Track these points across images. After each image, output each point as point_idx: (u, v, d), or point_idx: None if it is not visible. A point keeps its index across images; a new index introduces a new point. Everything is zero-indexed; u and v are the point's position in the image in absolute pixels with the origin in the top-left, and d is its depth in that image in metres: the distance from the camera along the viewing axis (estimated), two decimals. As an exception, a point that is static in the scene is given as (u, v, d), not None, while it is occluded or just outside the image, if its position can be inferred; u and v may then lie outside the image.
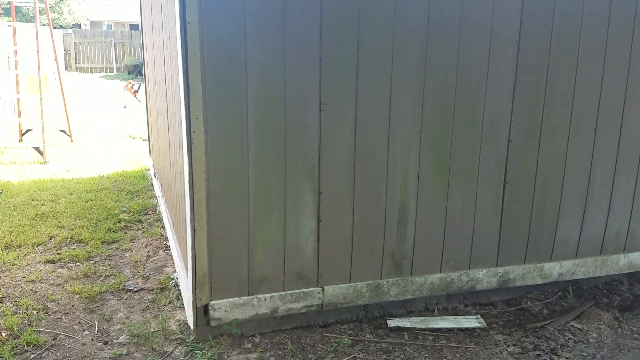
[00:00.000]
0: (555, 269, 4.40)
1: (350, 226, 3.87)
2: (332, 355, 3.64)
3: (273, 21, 3.42)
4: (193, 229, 3.50)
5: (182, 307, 4.20)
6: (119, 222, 6.08)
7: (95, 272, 4.83)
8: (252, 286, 3.74)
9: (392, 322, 4.04)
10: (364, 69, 3.66)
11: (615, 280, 4.72)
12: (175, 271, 4.77)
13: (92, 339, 3.80)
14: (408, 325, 4.01)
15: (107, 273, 4.82)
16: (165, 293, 4.46)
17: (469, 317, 4.13)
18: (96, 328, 3.94)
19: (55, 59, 11.21)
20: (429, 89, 3.81)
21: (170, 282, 4.59)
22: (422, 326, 4.00)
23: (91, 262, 5.05)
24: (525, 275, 4.33)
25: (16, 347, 3.66)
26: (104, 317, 4.09)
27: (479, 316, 4.13)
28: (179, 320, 4.02)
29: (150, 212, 6.47)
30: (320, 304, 3.90)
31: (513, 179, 4.14)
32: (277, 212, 3.69)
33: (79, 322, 4.01)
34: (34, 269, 4.87)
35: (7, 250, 5.24)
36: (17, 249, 5.27)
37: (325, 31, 3.53)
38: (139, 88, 15.49)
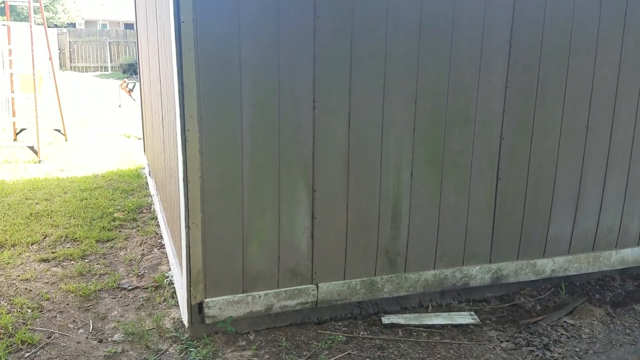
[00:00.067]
0: (548, 265, 4.43)
1: (345, 223, 3.89)
2: (327, 352, 3.66)
3: (267, 20, 3.43)
4: (187, 227, 3.51)
5: (176, 305, 4.21)
6: (113, 220, 6.08)
7: (89, 270, 4.83)
8: (247, 283, 3.75)
9: (387, 319, 4.06)
10: (358, 67, 3.67)
11: (607, 276, 4.75)
12: (169, 269, 4.78)
13: (86, 337, 3.81)
14: (402, 321, 4.03)
15: (102, 271, 4.82)
16: (160, 291, 4.46)
17: (462, 313, 4.15)
18: (91, 326, 3.95)
19: (50, 58, 11.18)
20: (421, 87, 3.83)
21: (165, 281, 4.60)
22: (416, 323, 4.02)
23: (86, 260, 5.06)
24: (518, 271, 4.36)
25: (11, 345, 3.67)
26: (98, 315, 4.10)
27: (472, 312, 4.16)
28: (173, 318, 4.03)
29: (144, 211, 6.47)
30: (315, 301, 3.92)
31: (505, 176, 4.16)
32: (272, 210, 3.70)
33: (74, 321, 4.02)
34: (28, 267, 4.87)
35: (2, 249, 5.24)
36: (12, 248, 5.27)
37: (318, 30, 3.54)
38: (133, 87, 15.47)
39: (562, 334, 3.92)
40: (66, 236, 5.59)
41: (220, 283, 3.69)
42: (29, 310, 4.12)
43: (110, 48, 29.61)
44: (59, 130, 10.93)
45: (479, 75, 3.94)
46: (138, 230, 5.83)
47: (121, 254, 5.24)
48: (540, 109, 4.13)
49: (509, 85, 4.01)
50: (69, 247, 5.32)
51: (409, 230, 4.04)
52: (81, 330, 3.90)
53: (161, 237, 5.57)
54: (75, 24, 41.55)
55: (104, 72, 28.84)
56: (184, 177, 3.45)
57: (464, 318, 4.07)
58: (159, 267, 4.93)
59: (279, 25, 3.46)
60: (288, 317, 3.96)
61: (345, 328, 3.98)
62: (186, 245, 3.55)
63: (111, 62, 29.62)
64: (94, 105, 16.06)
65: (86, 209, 6.45)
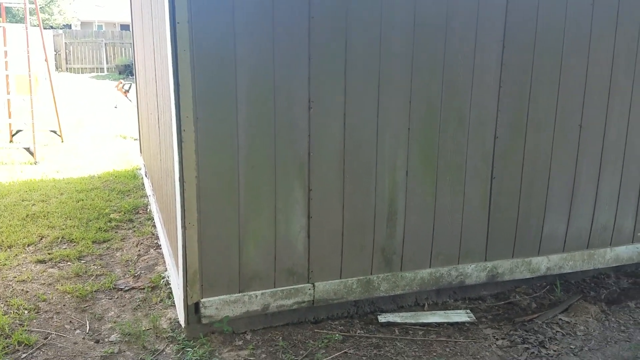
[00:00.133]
0: (543, 263, 4.45)
1: (341, 222, 3.90)
2: (323, 351, 3.67)
3: (262, 21, 3.45)
4: (184, 227, 3.52)
5: (173, 305, 4.22)
6: (109, 221, 6.08)
7: (86, 271, 4.84)
8: (243, 283, 3.76)
9: (383, 318, 4.07)
10: (352, 67, 3.69)
11: (602, 273, 4.78)
12: (166, 270, 4.79)
13: (83, 338, 3.81)
14: (398, 320, 4.05)
15: (98, 272, 4.83)
16: (157, 292, 4.47)
17: (458, 311, 4.17)
18: (87, 327, 3.95)
19: (46, 60, 11.18)
20: (416, 86, 3.85)
21: (162, 281, 4.61)
22: (413, 321, 4.04)
23: (82, 261, 5.06)
24: (513, 269, 4.38)
25: (7, 346, 3.67)
26: (95, 316, 4.10)
27: (468, 310, 4.18)
28: (170, 319, 4.04)
29: (141, 211, 6.48)
30: (311, 300, 3.93)
31: (500, 174, 4.19)
32: (268, 210, 3.71)
33: (70, 322, 4.02)
34: (24, 269, 4.87)
35: (-2, 251, 5.24)
36: (8, 249, 5.27)
37: (313, 31, 3.56)
38: (129, 88, 15.46)
39: (557, 331, 3.94)
40: (62, 237, 5.59)
41: (216, 283, 3.70)
42: (26, 312, 4.13)
43: (106, 49, 29.56)
44: (55, 132, 10.93)
45: (473, 74, 3.96)
46: (134, 231, 5.84)
47: (117, 254, 5.24)
48: (534, 108, 4.15)
49: (503, 85, 4.03)
50: (66, 248, 5.33)
51: (404, 229, 4.06)
52: (78, 331, 3.90)
53: (157, 238, 5.57)
54: (71, 25, 41.50)
55: (100, 73, 28.80)
56: (180, 177, 3.46)
57: (460, 316, 4.09)
58: (156, 267, 4.93)
59: (274, 26, 3.47)
60: (285, 317, 3.97)
61: (342, 327, 3.99)
62: (182, 245, 3.56)
63: (107, 63, 29.58)
64: (90, 107, 16.04)
65: (82, 210, 6.45)
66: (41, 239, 5.56)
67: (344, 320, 4.08)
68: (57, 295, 4.39)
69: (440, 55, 3.86)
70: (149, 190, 6.65)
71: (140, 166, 8.43)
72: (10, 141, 10.59)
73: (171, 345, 3.71)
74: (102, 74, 28.81)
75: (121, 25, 41.80)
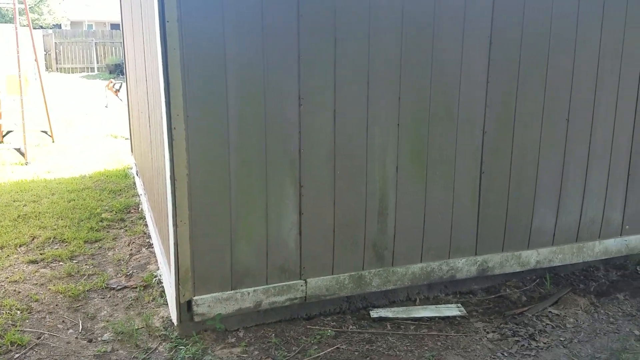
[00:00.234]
0: (533, 257, 4.49)
1: (332, 218, 3.92)
2: (316, 347, 3.69)
3: (251, 19, 3.46)
4: (175, 225, 3.53)
5: (165, 304, 4.23)
6: (101, 221, 6.08)
7: (78, 271, 4.84)
8: (236, 281, 3.78)
9: (375, 313, 4.10)
10: (342, 64, 3.71)
11: (591, 266, 4.82)
12: (158, 269, 4.79)
13: (76, 338, 3.82)
14: (390, 315, 4.07)
15: (91, 272, 4.83)
16: (149, 290, 4.48)
17: (449, 305, 4.20)
18: (80, 326, 3.96)
19: (36, 60, 11.13)
20: (405, 82, 3.87)
21: (154, 280, 4.62)
22: (404, 316, 4.07)
23: (74, 261, 5.06)
24: (503, 263, 4.42)
25: (0, 347, 3.67)
26: (87, 315, 4.11)
27: (459, 304, 4.21)
28: (162, 317, 4.05)
29: (132, 211, 6.48)
30: (304, 296, 3.95)
31: (489, 169, 4.22)
32: (259, 207, 3.73)
33: (63, 321, 4.03)
34: (16, 269, 4.86)
35: (-10, 252, 5.23)
36: (0, 250, 5.26)
37: (302, 28, 3.58)
38: (120, 87, 15.41)
39: (547, 324, 3.98)
40: (54, 237, 5.59)
41: (208, 280, 3.71)
42: (18, 312, 4.12)
43: (96, 49, 29.43)
44: (45, 132, 10.89)
45: (461, 70, 3.99)
46: (126, 231, 5.84)
47: (109, 254, 5.24)
48: (521, 102, 4.19)
49: (490, 80, 4.06)
50: (58, 248, 5.32)
51: (395, 224, 4.09)
52: (71, 331, 3.91)
53: (149, 237, 5.58)
54: (61, 25, 41.26)
55: (90, 73, 28.67)
56: (171, 175, 3.47)
57: (451, 310, 4.12)
58: (148, 266, 4.94)
59: (263, 24, 3.49)
60: (277, 313, 3.99)
61: (334, 323, 4.01)
62: (174, 243, 3.57)
63: (97, 62, 29.45)
64: (80, 106, 15.98)
65: (74, 210, 6.44)
66: (33, 240, 5.56)
67: (337, 316, 4.10)
68: (50, 295, 4.39)
69: (428, 52, 3.88)
70: (140, 189, 6.65)
71: (131, 165, 8.42)
72: (1, 142, 10.54)
73: (164, 343, 3.72)
74: (93, 73, 28.69)
75: (111, 24, 41.58)
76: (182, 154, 3.45)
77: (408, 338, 3.82)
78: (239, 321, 3.90)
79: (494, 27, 3.99)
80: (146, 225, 5.91)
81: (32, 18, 32.19)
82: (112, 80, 16.93)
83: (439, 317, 4.05)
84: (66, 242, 5.49)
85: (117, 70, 26.73)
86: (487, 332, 3.88)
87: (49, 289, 4.49)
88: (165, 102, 3.38)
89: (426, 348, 3.70)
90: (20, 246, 5.38)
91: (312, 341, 3.75)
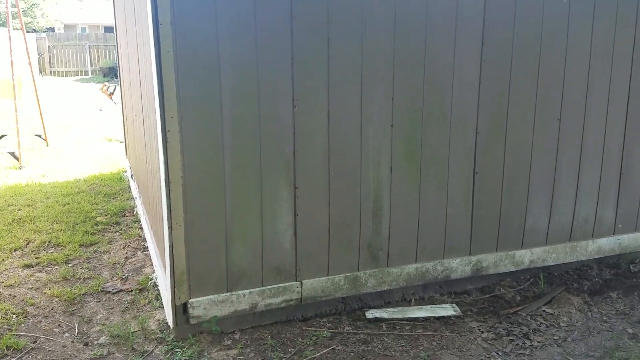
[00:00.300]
0: (527, 256, 4.52)
1: (327, 219, 3.94)
2: (312, 348, 3.70)
3: (244, 21, 3.48)
4: (170, 227, 3.54)
5: (161, 307, 4.23)
6: (96, 224, 6.08)
7: (74, 275, 4.84)
8: (231, 283, 3.79)
9: (371, 314, 4.12)
10: (335, 65, 3.73)
11: (585, 265, 4.85)
12: (153, 272, 4.80)
13: (72, 341, 3.82)
14: (386, 315, 4.09)
15: (86, 275, 4.83)
16: (144, 294, 4.48)
17: (444, 305, 4.22)
18: (76, 330, 3.96)
19: (29, 63, 11.11)
20: (398, 83, 3.89)
21: (149, 283, 4.62)
22: (400, 316, 4.09)
23: (69, 265, 5.06)
24: (497, 263, 4.44)
25: (-4, 351, 3.67)
26: (83, 319, 4.11)
27: (454, 304, 4.23)
28: (158, 320, 4.05)
29: (127, 214, 6.47)
30: (299, 298, 3.96)
31: (482, 169, 4.25)
32: (254, 208, 3.74)
33: (59, 325, 4.03)
34: (12, 273, 4.86)
35: (-16, 256, 5.22)
36: (-5, 255, 5.26)
37: (296, 30, 3.59)
38: (114, 90, 15.39)
39: (541, 323, 4.01)
40: (49, 241, 5.58)
41: (204, 283, 3.72)
42: (14, 316, 4.12)
43: (90, 52, 29.35)
44: (39, 136, 10.87)
45: (453, 71, 4.01)
46: (121, 234, 5.84)
47: (105, 257, 5.24)
48: (514, 103, 4.22)
49: (483, 81, 4.09)
50: (53, 252, 5.32)
51: (390, 225, 4.10)
52: (66, 334, 3.91)
53: (144, 240, 5.58)
54: (54, 28, 41.14)
55: (84, 76, 28.59)
56: (165, 178, 3.48)
57: (446, 310, 4.14)
58: (143, 269, 4.94)
59: (256, 25, 3.50)
60: (273, 315, 4.00)
61: (330, 324, 4.03)
62: (169, 246, 3.58)
63: (91, 65, 29.36)
64: (74, 110, 15.92)
65: (69, 214, 6.43)
66: (28, 244, 5.55)
67: (332, 317, 4.12)
68: (45, 299, 4.39)
69: (421, 53, 3.91)
70: (135, 192, 6.65)
71: (126, 169, 8.41)
72: (-5, 146, 10.51)
73: (160, 346, 3.73)
74: (87, 76, 28.61)
75: (105, 27, 41.53)
76: (176, 156, 3.46)
77: (403, 338, 3.84)
78: (235, 323, 3.90)
79: (485, 28, 4.02)
80: (141, 228, 5.91)
81: (25, 21, 32.08)
82: (106, 83, 16.90)
83: (434, 317, 4.07)
84: (61, 245, 5.49)
85: (111, 73, 26.67)
86: (482, 332, 3.90)
87: (45, 292, 4.49)
88: (159, 104, 3.39)
89: (421, 348, 3.72)
90: (15, 250, 5.38)
91: (308, 342, 3.77)
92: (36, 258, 5.16)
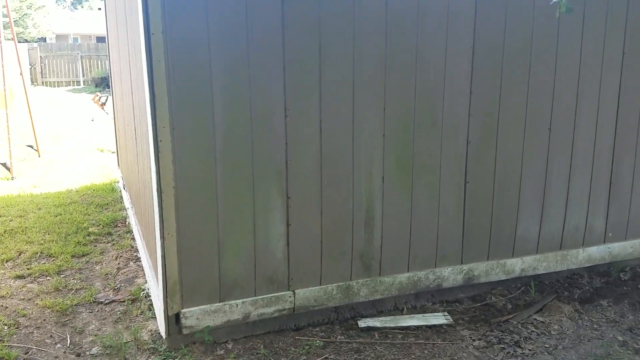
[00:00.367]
0: (518, 265, 4.55)
1: (319, 229, 3.95)
2: (305, 357, 3.71)
3: (236, 31, 3.50)
4: (162, 237, 3.54)
5: (153, 317, 4.22)
6: (88, 235, 6.06)
7: (66, 285, 4.82)
8: (224, 292, 3.79)
9: (363, 323, 4.12)
10: (327, 75, 3.75)
11: (575, 274, 4.88)
12: (146, 282, 4.79)
13: (64, 352, 3.80)
14: (378, 324, 4.10)
15: (78, 286, 4.82)
16: (137, 304, 4.47)
17: (436, 314, 4.24)
18: (68, 341, 3.94)
19: (21, 74, 11.10)
20: (390, 93, 3.93)
21: (142, 293, 4.61)
22: (392, 325, 4.10)
23: (61, 276, 5.04)
24: (489, 271, 4.47)
25: (-13, 362, 3.65)
26: (76, 329, 4.09)
27: (446, 313, 4.25)
28: (151, 330, 4.04)
29: (120, 225, 6.46)
30: (292, 307, 3.97)
31: (473, 178, 4.28)
32: (247, 218, 3.75)
33: (51, 336, 4.01)
34: (3, 284, 4.83)
35: (-25, 267, 5.19)
36: (-14, 266, 5.23)
37: (287, 40, 3.62)
38: (106, 100, 15.35)
39: (532, 331, 4.03)
40: (41, 252, 5.56)
41: (196, 293, 3.72)
42: (6, 327, 4.10)
43: (82, 62, 29.30)
44: (31, 146, 10.84)
45: (444, 81, 4.05)
46: (113, 244, 5.83)
47: (97, 268, 5.23)
48: (504, 112, 4.26)
49: (474, 90, 4.13)
50: (45, 263, 5.30)
51: (382, 234, 4.12)
52: (59, 345, 3.89)
53: (137, 251, 5.57)
54: (46, 38, 41.10)
55: (76, 87, 28.53)
56: (157, 188, 3.49)
57: (438, 319, 4.16)
58: (135, 280, 4.93)
59: (248, 36, 3.53)
60: (266, 325, 4.00)
61: (323, 333, 4.03)
62: (161, 256, 3.58)
63: (83, 76, 29.31)
64: (66, 120, 15.89)
65: (61, 225, 6.41)
66: (20, 255, 5.53)
67: (325, 326, 4.13)
68: (37, 310, 4.37)
69: (412, 63, 3.95)
70: (127, 203, 6.64)
71: (118, 179, 8.40)
72: (-14, 157, 10.47)
73: (152, 356, 3.72)
74: (79, 87, 28.55)
75: (97, 37, 41.52)
76: (168, 166, 3.47)
77: (396, 347, 3.85)
78: (228, 333, 3.90)
79: (476, 37, 4.07)
80: (134, 239, 5.90)
81: (16, 32, 32.01)
82: (98, 93, 16.86)
83: (426, 326, 4.09)
84: (53, 256, 5.47)
85: (103, 83, 26.62)
86: (473, 340, 3.92)
87: (37, 303, 4.47)
88: (151, 114, 3.40)
89: (413, 356, 3.73)
90: (7, 261, 5.35)
91: (300, 352, 3.77)
92: (28, 269, 5.14)
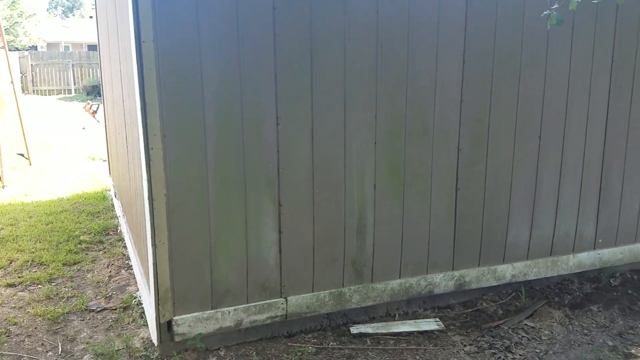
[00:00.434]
0: (508, 271, 4.58)
1: (312, 236, 3.97)
2: (297, 364, 3.72)
3: (228, 39, 3.52)
4: (154, 245, 3.55)
5: (145, 325, 4.22)
6: (80, 243, 6.04)
7: (57, 293, 4.80)
8: (216, 300, 3.79)
9: (355, 329, 4.13)
10: (318, 83, 3.78)
11: (566, 279, 4.92)
12: (137, 290, 4.78)
13: (55, 360, 3.79)
14: (370, 331, 4.11)
15: (70, 294, 4.80)
16: (129, 312, 4.46)
17: (428, 320, 4.26)
18: (60, 349, 3.93)
19: (12, 82, 11.06)
20: (381, 101, 3.96)
21: (133, 301, 4.60)
22: (384, 331, 4.11)
23: (53, 284, 5.02)
24: (480, 277, 4.49)
25: (-23, 371, 3.63)
26: (67, 337, 4.08)
27: (437, 319, 4.27)
28: (142, 338, 4.03)
29: (111, 233, 6.45)
30: (284, 314, 3.97)
31: (464, 185, 4.31)
32: (239, 225, 3.76)
33: (42, 344, 3.99)
34: (-7, 293, 4.81)
35: (-34, 276, 5.16)
36: (-24, 274, 5.20)
37: (279, 48, 3.65)
38: (97, 108, 15.32)
39: (523, 336, 4.05)
40: (32, 260, 5.54)
41: (188, 300, 3.72)
42: (-4, 336, 4.09)
43: (73, 70, 29.22)
44: (22, 155, 10.80)
45: (435, 89, 4.09)
46: (105, 252, 5.81)
47: (88, 276, 5.21)
48: (495, 120, 4.30)
49: (464, 98, 4.17)
50: (36, 271, 5.28)
51: (374, 241, 4.14)
52: (50, 353, 3.88)
53: (128, 259, 5.56)
54: (37, 46, 40.98)
55: (67, 95, 28.43)
56: (149, 196, 3.49)
57: (429, 324, 4.18)
58: (127, 288, 4.92)
59: (239, 44, 3.55)
60: (258, 332, 4.00)
61: (315, 340, 4.04)
62: (153, 264, 3.58)
63: (75, 84, 29.22)
64: (57, 128, 15.83)
65: (52, 233, 6.39)
66: (10, 263, 5.50)
67: (317, 333, 4.13)
68: (29, 319, 4.35)
69: (403, 71, 3.98)
70: (119, 211, 6.62)
71: (109, 187, 8.38)
72: (-24, 165, 10.41)
73: (144, 364, 3.71)
74: (70, 95, 28.46)
75: (88, 45, 41.44)
76: (159, 174, 3.47)
77: (387, 353, 3.86)
78: (220, 340, 3.90)
79: (466, 46, 4.11)
80: (125, 247, 5.89)
81: (7, 40, 31.90)
82: (89, 101, 16.82)
83: (418, 332, 4.10)
84: (44, 265, 5.45)
85: (95, 91, 26.55)
86: (465, 345, 3.94)
87: (28, 312, 4.45)
88: (142, 122, 3.41)
89: (405, 362, 3.75)
90: (-3, 270, 5.33)
91: (293, 358, 3.77)
92: (19, 277, 5.12)
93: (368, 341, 4.01)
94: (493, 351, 3.84)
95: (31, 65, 28.30)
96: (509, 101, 4.32)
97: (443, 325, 4.17)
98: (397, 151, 4.08)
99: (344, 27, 3.78)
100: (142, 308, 4.45)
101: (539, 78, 4.38)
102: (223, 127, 3.60)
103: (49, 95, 28.30)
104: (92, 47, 37.65)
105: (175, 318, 3.69)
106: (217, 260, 3.74)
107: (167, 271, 3.60)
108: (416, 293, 4.33)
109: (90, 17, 50.74)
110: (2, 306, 4.56)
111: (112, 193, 7.83)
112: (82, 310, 4.50)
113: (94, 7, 8.66)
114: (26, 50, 34.67)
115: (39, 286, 4.96)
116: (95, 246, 6.01)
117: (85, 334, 4.13)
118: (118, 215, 6.73)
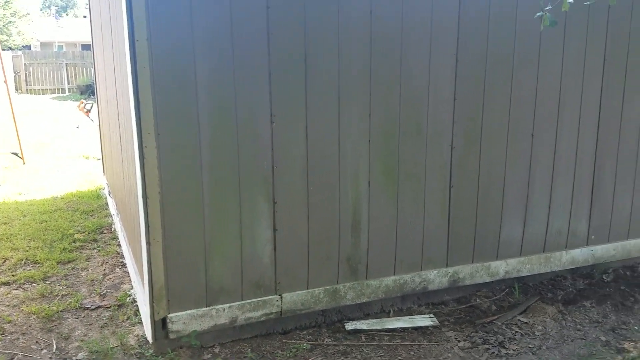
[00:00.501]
0: (502, 267, 4.60)
1: (306, 234, 3.98)
2: (291, 360, 3.73)
3: (221, 37, 3.53)
4: (148, 243, 3.55)
5: (140, 322, 4.22)
6: (74, 241, 6.03)
7: (51, 292, 4.80)
8: (211, 297, 3.80)
9: (350, 325, 4.15)
10: (313, 82, 3.79)
11: (559, 276, 4.95)
12: (132, 288, 4.78)
13: (50, 358, 3.79)
14: (365, 327, 4.13)
15: (64, 292, 4.80)
16: (123, 310, 4.46)
17: (422, 316, 4.28)
18: (54, 347, 3.93)
19: (5, 81, 11.03)
20: (375, 100, 3.97)
21: (128, 299, 4.60)
22: (379, 327, 4.13)
23: (47, 282, 5.01)
24: (474, 274, 4.52)
25: (-28, 369, 3.63)
26: (62, 335, 4.08)
27: (431, 315, 4.29)
28: (137, 335, 4.04)
29: (105, 231, 6.44)
30: (279, 311, 3.98)
31: (457, 183, 4.33)
32: (233, 223, 3.77)
33: (37, 342, 3.99)
34: (-12, 292, 4.80)
35: (-41, 275, 5.15)
36: (-30, 273, 5.19)
37: (273, 47, 3.65)
38: (91, 107, 15.27)
39: (516, 331, 4.08)
40: (26, 259, 5.53)
41: (183, 298, 3.73)
42: (-10, 334, 4.08)
43: (67, 69, 29.12)
44: (16, 154, 10.77)
45: (429, 88, 4.11)
46: (99, 251, 5.81)
47: (83, 274, 5.21)
48: (488, 118, 4.32)
49: (457, 97, 4.19)
50: (30, 270, 5.27)
51: (368, 238, 4.16)
52: (45, 351, 3.88)
53: (123, 257, 5.55)
54: (30, 46, 40.80)
55: (61, 94, 28.33)
56: (143, 194, 3.50)
57: (424, 321, 4.20)
58: (122, 286, 4.92)
59: (233, 42, 3.55)
60: (253, 329, 4.01)
61: (310, 336, 4.05)
62: (147, 262, 3.58)
63: (68, 83, 29.13)
64: (51, 128, 15.79)
65: (46, 231, 6.38)
66: (4, 261, 5.49)
67: (312, 329, 4.15)
68: (23, 317, 4.35)
69: (397, 70, 4.00)
70: (113, 209, 6.62)
71: (103, 186, 8.36)
72: (-30, 164, 10.38)
73: (139, 361, 3.72)
74: (64, 94, 28.36)
75: (82, 45, 41.28)
76: (153, 172, 3.48)
77: (382, 349, 3.88)
78: (215, 337, 3.91)
79: (459, 45, 4.13)
80: (119, 245, 5.89)
81: (0, 39, 31.78)
82: (83, 100, 16.77)
83: (412, 328, 4.13)
84: (39, 263, 5.44)
85: (88, 90, 26.46)
86: (459, 341, 3.96)
87: (22, 310, 4.45)
88: (136, 120, 3.42)
89: (400, 358, 3.76)
90: (-9, 268, 5.32)
91: (288, 355, 3.79)
92: (13, 275, 5.11)
93: (363, 337, 4.03)
94: (487, 346, 3.86)
95: (25, 64, 28.18)
96: (501, 100, 4.34)
97: (437, 321, 4.19)
98: (391, 149, 4.10)
99: (338, 27, 3.79)
100: (137, 306, 4.45)
101: (532, 77, 4.41)
102: (217, 125, 3.61)
103: (43, 94, 28.20)
104: (86, 47, 37.53)
105: (169, 315, 3.69)
106: (211, 258, 3.74)
107: (162, 269, 3.61)
108: (410, 289, 4.35)
109: (84, 16, 50.60)
110: (-3, 305, 4.55)
111: (106, 192, 7.82)
112: (76, 308, 4.49)
113: (87, 6, 8.64)
114: (20, 49, 34.52)
115: (33, 284, 4.96)
116: (90, 244, 6.00)
117: (79, 331, 4.13)
118: (112, 213, 6.73)
